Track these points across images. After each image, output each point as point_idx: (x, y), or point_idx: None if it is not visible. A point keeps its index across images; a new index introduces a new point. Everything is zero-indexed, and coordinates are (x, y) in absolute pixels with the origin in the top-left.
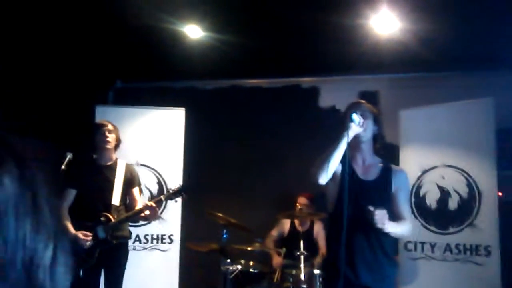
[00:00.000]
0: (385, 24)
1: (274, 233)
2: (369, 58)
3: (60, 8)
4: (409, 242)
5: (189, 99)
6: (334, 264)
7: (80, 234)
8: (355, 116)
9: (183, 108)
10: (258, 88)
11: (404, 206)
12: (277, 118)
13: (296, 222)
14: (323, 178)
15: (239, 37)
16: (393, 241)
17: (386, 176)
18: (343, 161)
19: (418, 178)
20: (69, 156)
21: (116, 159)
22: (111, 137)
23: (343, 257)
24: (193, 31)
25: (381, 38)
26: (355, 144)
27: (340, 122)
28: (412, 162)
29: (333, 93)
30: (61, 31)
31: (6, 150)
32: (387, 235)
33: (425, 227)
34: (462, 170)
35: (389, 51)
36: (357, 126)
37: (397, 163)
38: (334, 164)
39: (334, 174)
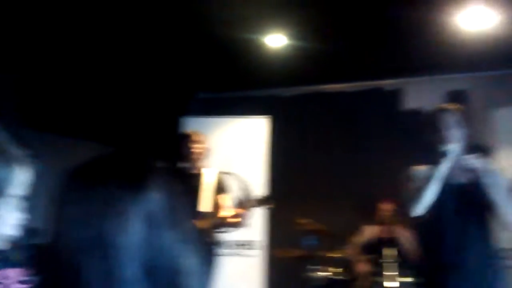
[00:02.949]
0: (473, 20)
1: (358, 240)
2: (457, 56)
3: (145, 22)
4: (506, 249)
5: (272, 106)
6: (431, 270)
7: None
8: (449, 150)
9: (266, 116)
10: (341, 93)
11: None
12: (361, 122)
13: (380, 228)
14: (418, 211)
15: (321, 42)
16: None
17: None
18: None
19: None
20: (158, 166)
21: (204, 167)
22: (197, 147)
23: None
24: (276, 40)
25: (469, 35)
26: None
27: (425, 125)
28: (509, 164)
29: (418, 95)
30: (146, 45)
31: (154, 168)
32: (489, 239)
33: None
34: None
35: (479, 48)
36: (453, 158)
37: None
38: (429, 198)
39: None
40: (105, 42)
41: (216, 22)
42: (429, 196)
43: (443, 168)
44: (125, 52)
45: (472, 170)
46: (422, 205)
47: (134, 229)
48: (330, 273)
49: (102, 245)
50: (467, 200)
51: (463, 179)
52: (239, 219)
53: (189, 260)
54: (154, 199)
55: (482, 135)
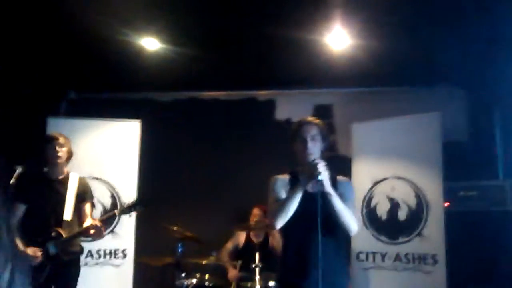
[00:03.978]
0: (338, 41)
1: (229, 245)
2: (324, 72)
3: (11, 16)
4: (361, 252)
5: (145, 111)
6: (287, 276)
7: (29, 251)
8: (320, 176)
9: (138, 120)
10: (215, 100)
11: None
12: (234, 130)
13: (251, 234)
14: (280, 224)
15: (196, 49)
16: (347, 252)
17: (332, 186)
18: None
19: (370, 189)
20: (19, 169)
21: (68, 172)
22: (62, 150)
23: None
24: (150, 43)
25: (335, 54)
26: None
27: (290, 137)
28: (364, 174)
29: (288, 106)
30: (13, 39)
31: None
32: (341, 245)
33: (376, 238)
34: (411, 182)
35: (342, 66)
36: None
37: (349, 175)
38: (291, 211)
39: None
40: None
41: (90, 21)
42: (290, 210)
43: (304, 184)
44: None
45: (321, 181)
46: (284, 219)
47: None
48: (201, 280)
49: None
50: (321, 209)
51: (316, 189)
52: (96, 231)
53: (3, 276)
54: None
55: (342, 147)
